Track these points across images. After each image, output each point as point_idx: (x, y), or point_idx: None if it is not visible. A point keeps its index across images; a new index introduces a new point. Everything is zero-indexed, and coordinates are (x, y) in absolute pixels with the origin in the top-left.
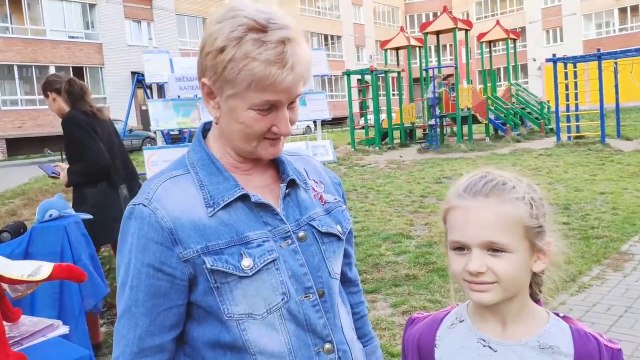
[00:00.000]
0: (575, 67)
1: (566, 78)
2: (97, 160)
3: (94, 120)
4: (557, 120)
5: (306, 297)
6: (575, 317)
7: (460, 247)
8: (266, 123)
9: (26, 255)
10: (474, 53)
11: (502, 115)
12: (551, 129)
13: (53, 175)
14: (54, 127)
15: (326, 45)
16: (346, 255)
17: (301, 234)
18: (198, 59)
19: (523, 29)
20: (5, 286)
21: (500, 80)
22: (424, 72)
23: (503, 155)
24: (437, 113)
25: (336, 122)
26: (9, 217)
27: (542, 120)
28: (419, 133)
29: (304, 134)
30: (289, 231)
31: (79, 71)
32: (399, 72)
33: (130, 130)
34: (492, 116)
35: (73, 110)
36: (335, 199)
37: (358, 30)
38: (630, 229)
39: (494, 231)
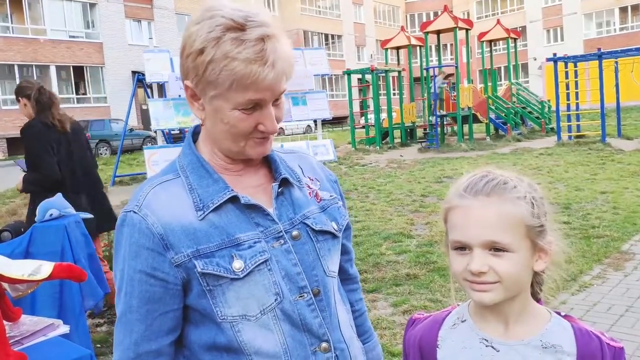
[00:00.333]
0: (575, 66)
1: (567, 77)
2: (49, 174)
3: (52, 132)
4: (557, 119)
5: (300, 296)
6: (576, 316)
7: (462, 247)
8: (252, 122)
9: (27, 255)
10: (474, 52)
11: (503, 114)
12: (552, 129)
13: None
14: None
15: (327, 44)
16: (346, 251)
17: (295, 232)
18: (180, 62)
19: (524, 28)
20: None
21: (500, 80)
22: (424, 72)
23: (504, 155)
24: (439, 111)
25: (337, 121)
26: (9, 216)
27: (542, 120)
28: (419, 132)
29: (304, 133)
30: (281, 231)
31: (79, 70)
32: (399, 72)
33: (131, 130)
34: (492, 115)
35: (34, 120)
36: (330, 196)
37: (358, 29)
38: (631, 228)
39: (495, 231)
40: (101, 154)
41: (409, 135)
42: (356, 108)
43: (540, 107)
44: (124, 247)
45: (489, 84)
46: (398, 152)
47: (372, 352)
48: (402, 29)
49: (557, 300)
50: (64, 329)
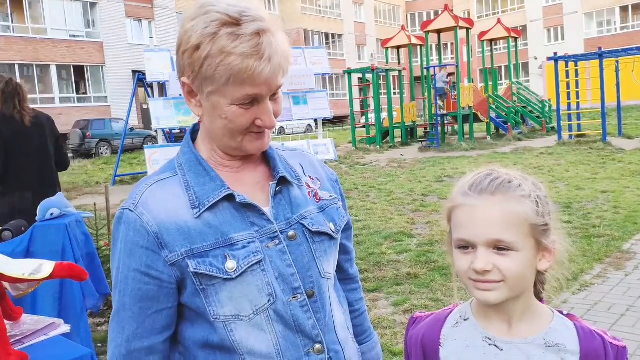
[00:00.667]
0: (576, 65)
1: (567, 76)
2: None
3: (8, 125)
4: (558, 118)
5: (294, 297)
6: (577, 315)
7: (466, 246)
8: (249, 117)
9: (27, 254)
10: (475, 52)
11: (504, 113)
12: (552, 128)
13: None
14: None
15: (327, 43)
16: (346, 251)
17: (291, 233)
18: (176, 59)
19: (524, 27)
20: (6, 285)
21: (501, 79)
22: (425, 71)
23: (504, 154)
24: (439, 110)
25: (337, 120)
26: None
27: (543, 119)
28: (420, 132)
29: (305, 132)
30: (277, 231)
31: (80, 70)
32: (400, 71)
33: (132, 129)
34: (493, 115)
35: None
36: (330, 196)
37: (359, 28)
38: (632, 227)
39: (500, 229)
40: (102, 154)
41: (410, 134)
42: (357, 107)
43: (540, 106)
44: (119, 245)
45: (490, 83)
46: (399, 152)
47: (372, 352)
48: (403, 28)
49: (558, 299)
50: (65, 328)
